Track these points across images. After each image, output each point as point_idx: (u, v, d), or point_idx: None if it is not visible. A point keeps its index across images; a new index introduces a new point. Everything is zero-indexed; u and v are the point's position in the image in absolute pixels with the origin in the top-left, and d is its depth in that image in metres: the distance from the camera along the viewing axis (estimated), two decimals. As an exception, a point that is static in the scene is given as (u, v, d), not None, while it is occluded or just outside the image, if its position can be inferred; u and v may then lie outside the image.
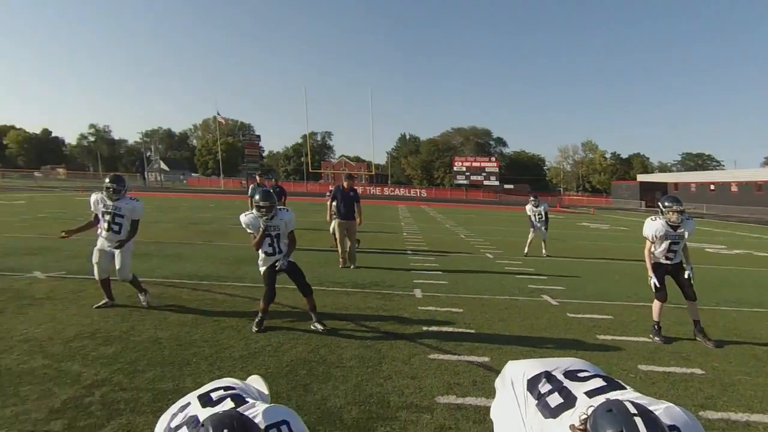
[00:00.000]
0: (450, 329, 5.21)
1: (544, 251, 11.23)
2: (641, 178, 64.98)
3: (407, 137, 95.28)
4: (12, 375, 3.59)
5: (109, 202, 5.36)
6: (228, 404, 1.58)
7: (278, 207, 5.00)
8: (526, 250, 11.19)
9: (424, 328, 5.19)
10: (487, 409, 2.66)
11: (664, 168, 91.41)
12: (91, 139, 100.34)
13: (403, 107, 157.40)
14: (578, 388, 1.66)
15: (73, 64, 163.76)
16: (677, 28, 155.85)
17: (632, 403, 1.30)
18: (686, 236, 5.18)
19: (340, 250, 8.82)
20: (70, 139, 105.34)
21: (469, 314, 5.84)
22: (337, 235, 8.87)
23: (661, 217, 5.19)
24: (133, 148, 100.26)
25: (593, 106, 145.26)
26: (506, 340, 4.95)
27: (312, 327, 4.99)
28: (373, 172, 70.48)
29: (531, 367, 1.88)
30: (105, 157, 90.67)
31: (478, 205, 44.63)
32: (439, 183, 79.64)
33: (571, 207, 50.01)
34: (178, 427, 1.51)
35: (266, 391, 2.09)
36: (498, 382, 2.01)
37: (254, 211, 4.94)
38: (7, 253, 8.62)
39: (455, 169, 65.02)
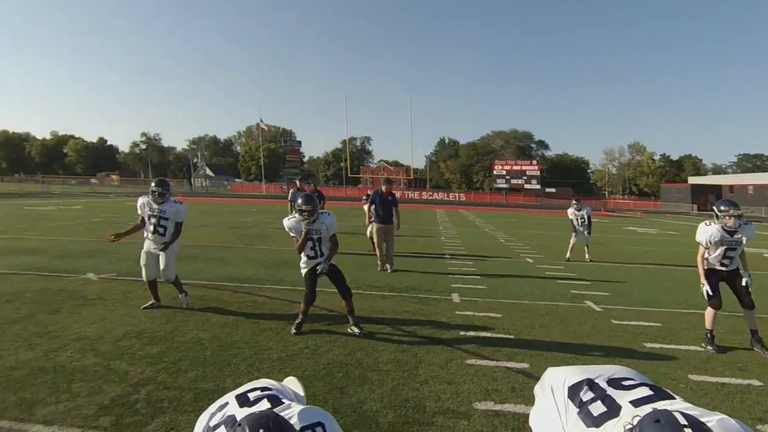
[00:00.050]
0: (488, 334, 5.11)
1: (587, 256, 10.89)
2: (693, 180, 62.05)
3: (446, 141, 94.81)
4: (66, 372, 3.77)
5: (154, 206, 5.58)
6: (264, 404, 1.59)
7: (320, 211, 5.04)
8: (568, 255, 10.89)
9: (462, 333, 5.12)
10: (526, 416, 2.59)
11: (718, 170, 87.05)
12: (143, 146, 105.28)
13: (443, 111, 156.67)
14: (623, 397, 1.58)
15: (127, 75, 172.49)
16: (733, 20, 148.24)
17: (682, 413, 1.21)
18: (744, 242, 4.89)
19: (378, 254, 8.90)
20: (123, 147, 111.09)
21: (508, 319, 5.72)
22: (375, 239, 8.97)
23: (716, 221, 4.92)
24: (181, 155, 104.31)
25: (640, 107, 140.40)
26: (547, 346, 4.81)
27: (349, 330, 5.02)
28: (412, 177, 70.43)
29: (572, 374, 1.81)
30: (155, 164, 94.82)
31: (518, 209, 43.80)
32: (479, 187, 78.74)
33: (616, 211, 48.32)
34: (217, 426, 1.54)
35: (302, 393, 2.11)
36: (537, 389, 1.95)
37: (296, 215, 5.00)
38: (64, 256, 9.12)
39: (495, 172, 64.09)
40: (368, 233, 11.20)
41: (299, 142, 72.33)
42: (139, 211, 5.64)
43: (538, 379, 2.00)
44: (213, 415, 1.62)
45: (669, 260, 11.79)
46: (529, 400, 3.35)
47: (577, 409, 1.64)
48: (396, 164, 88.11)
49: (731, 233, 4.84)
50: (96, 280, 7.13)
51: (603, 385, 1.68)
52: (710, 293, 4.89)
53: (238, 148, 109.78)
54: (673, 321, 5.93)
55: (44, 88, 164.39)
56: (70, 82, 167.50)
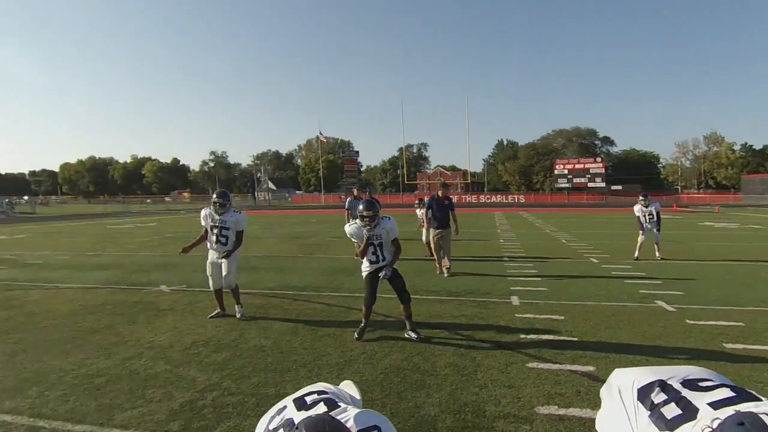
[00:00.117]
0: (550, 337, 4.93)
1: (657, 254, 10.24)
2: (779, 169, 56.81)
3: (504, 143, 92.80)
4: (140, 378, 4.02)
5: (216, 216, 5.85)
6: (321, 408, 1.61)
7: (380, 216, 5.07)
8: (636, 254, 10.29)
9: (522, 336, 4.96)
10: (593, 420, 2.47)
11: (807, 156, 79.13)
12: (211, 164, 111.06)
13: (501, 113, 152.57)
14: (700, 399, 1.45)
15: (197, 96, 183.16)
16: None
17: None
18: None
19: (436, 258, 8.87)
20: (194, 165, 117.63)
21: (571, 321, 5.49)
22: (432, 244, 8.98)
23: None
24: (246, 171, 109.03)
25: (717, 95, 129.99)
26: (614, 348, 4.56)
27: (406, 335, 5.00)
28: (469, 180, 69.59)
29: (642, 375, 1.68)
30: (222, 181, 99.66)
31: (581, 208, 42.02)
32: (539, 188, 76.36)
33: (690, 206, 45.21)
34: (276, 429, 1.56)
35: (358, 396, 2.11)
36: (603, 392, 1.84)
37: (358, 221, 5.07)
38: (140, 270, 9.78)
39: (556, 172, 61.98)
40: (424, 238, 11.16)
41: (357, 152, 73.77)
42: (203, 223, 5.94)
43: (604, 382, 1.90)
44: (272, 418, 1.65)
45: (752, 256, 10.84)
46: (596, 404, 3.19)
47: (648, 412, 1.53)
48: (453, 169, 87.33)
49: None
50: (168, 291, 7.57)
51: (677, 386, 1.56)
52: None
53: (299, 161, 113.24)
54: (757, 320, 5.44)
55: (125, 113, 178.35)
56: (147, 107, 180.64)
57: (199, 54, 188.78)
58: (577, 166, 60.78)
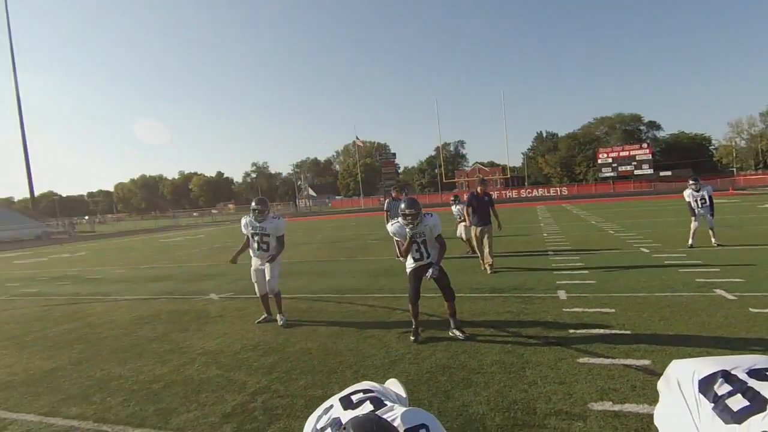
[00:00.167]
0: (601, 331, 4.76)
1: (713, 240, 9.70)
2: None
3: (544, 135, 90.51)
4: (194, 383, 4.17)
5: (256, 224, 5.98)
6: (367, 407, 1.61)
7: (423, 213, 5.02)
8: (690, 241, 9.79)
9: (571, 331, 4.82)
10: (651, 416, 2.37)
11: None
12: (253, 175, 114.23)
13: (539, 104, 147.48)
14: None
15: (239, 111, 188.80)
16: None
17: None
18: None
19: (479, 255, 8.83)
20: (237, 177, 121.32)
21: (622, 314, 5.28)
22: (474, 241, 8.90)
23: None
24: (287, 180, 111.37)
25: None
26: (670, 340, 4.35)
27: (451, 333, 4.96)
28: (509, 175, 68.36)
29: (702, 365, 1.59)
30: (264, 190, 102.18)
31: (628, 197, 40.48)
32: (582, 179, 73.97)
33: (748, 188, 42.68)
34: (324, 428, 1.58)
35: (404, 394, 2.11)
36: (661, 385, 1.75)
37: (400, 219, 5.05)
38: (190, 280, 10.16)
39: (600, 161, 60.01)
40: (458, 234, 11.04)
41: (393, 154, 73.81)
42: (244, 231, 6.10)
43: (662, 375, 1.82)
44: (319, 417, 1.67)
45: (822, 237, 10.12)
46: (653, 399, 3.06)
47: (712, 404, 1.44)
48: (491, 165, 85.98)
49: None
50: (217, 299, 7.82)
51: (742, 376, 1.46)
52: None
53: (337, 166, 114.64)
54: (830, 306, 5.07)
55: (171, 131, 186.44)
56: (192, 125, 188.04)
57: (239, 74, 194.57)
58: (621, 153, 58.63)
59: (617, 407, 3.17)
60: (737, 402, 1.36)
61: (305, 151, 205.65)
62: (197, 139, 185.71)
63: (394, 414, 1.49)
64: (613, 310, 5.45)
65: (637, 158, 57.27)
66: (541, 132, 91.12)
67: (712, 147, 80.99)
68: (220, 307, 7.25)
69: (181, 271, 11.76)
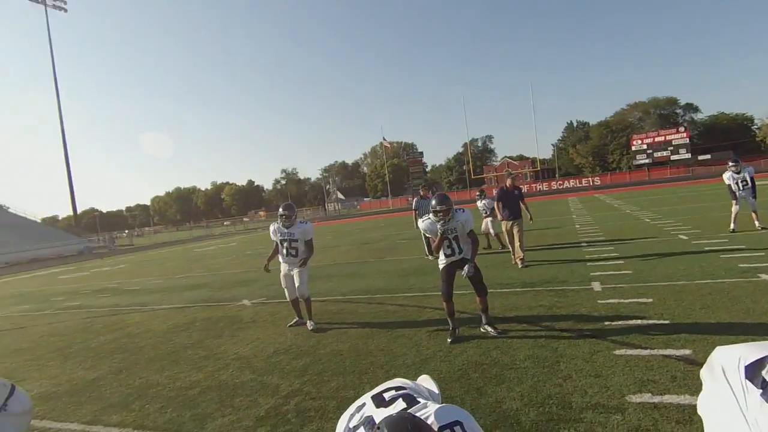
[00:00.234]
0: (638, 322, 4.59)
1: (756, 223, 9.26)
2: None
3: (574, 125, 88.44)
4: (228, 388, 4.24)
5: (284, 230, 6.04)
6: (400, 404, 1.59)
7: (454, 209, 4.96)
8: (732, 226, 9.37)
9: (607, 323, 4.67)
10: (693, 407, 2.26)
11: None
12: (283, 182, 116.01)
13: (568, 93, 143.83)
14: None
15: (267, 120, 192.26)
16: None
17: None
18: None
19: (511, 249, 8.73)
20: (267, 184, 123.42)
21: (660, 304, 5.09)
22: (506, 235, 8.78)
23: None
24: (316, 184, 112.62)
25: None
26: (712, 329, 4.17)
27: (482, 330, 4.89)
28: (539, 168, 67.13)
29: (748, 351, 1.50)
30: (294, 196, 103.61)
31: (664, 184, 39.17)
32: (615, 168, 71.91)
33: (794, 167, 40.63)
34: (356, 427, 1.57)
35: (436, 390, 2.08)
36: (704, 373, 1.67)
37: (431, 215, 5.02)
38: (224, 287, 10.36)
39: (634, 148, 58.04)
40: (482, 229, 10.83)
41: (421, 153, 73.67)
42: (273, 237, 6.17)
43: (704, 364, 1.73)
44: (352, 416, 1.66)
45: None
46: (695, 389, 2.93)
47: (760, 391, 1.36)
48: (521, 158, 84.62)
49: None
50: (249, 305, 7.95)
51: None
52: None
53: (365, 168, 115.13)
54: None
55: (202, 145, 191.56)
56: (222, 137, 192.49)
57: (267, 83, 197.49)
58: (657, 139, 56.59)
59: (657, 399, 3.04)
60: None
61: (333, 155, 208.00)
62: (229, 149, 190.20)
63: (428, 411, 1.47)
64: (650, 300, 5.26)
65: (674, 143, 55.21)
66: (571, 122, 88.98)
67: (755, 127, 77.32)
68: (253, 312, 7.36)
69: (215, 279, 12.01)
